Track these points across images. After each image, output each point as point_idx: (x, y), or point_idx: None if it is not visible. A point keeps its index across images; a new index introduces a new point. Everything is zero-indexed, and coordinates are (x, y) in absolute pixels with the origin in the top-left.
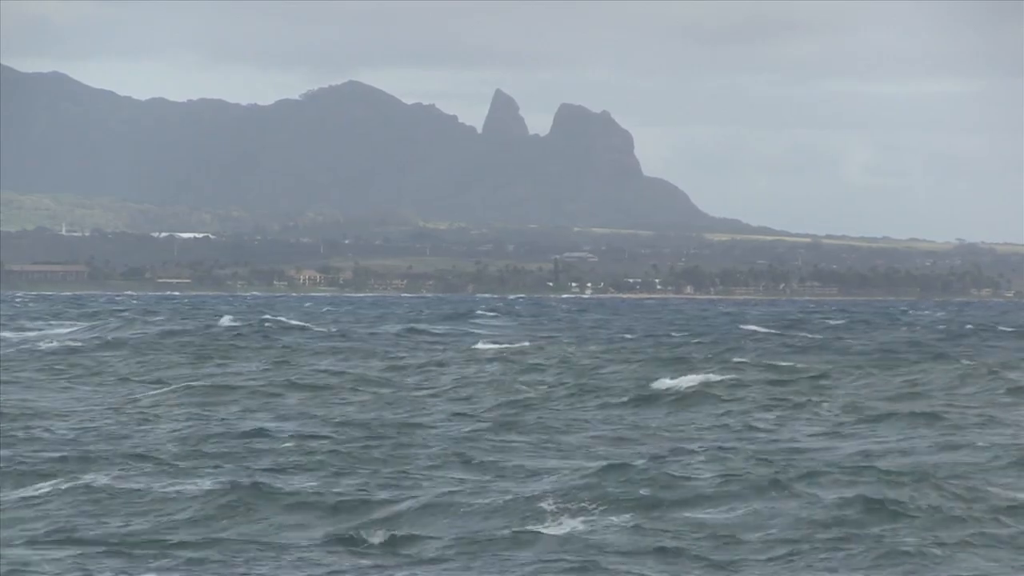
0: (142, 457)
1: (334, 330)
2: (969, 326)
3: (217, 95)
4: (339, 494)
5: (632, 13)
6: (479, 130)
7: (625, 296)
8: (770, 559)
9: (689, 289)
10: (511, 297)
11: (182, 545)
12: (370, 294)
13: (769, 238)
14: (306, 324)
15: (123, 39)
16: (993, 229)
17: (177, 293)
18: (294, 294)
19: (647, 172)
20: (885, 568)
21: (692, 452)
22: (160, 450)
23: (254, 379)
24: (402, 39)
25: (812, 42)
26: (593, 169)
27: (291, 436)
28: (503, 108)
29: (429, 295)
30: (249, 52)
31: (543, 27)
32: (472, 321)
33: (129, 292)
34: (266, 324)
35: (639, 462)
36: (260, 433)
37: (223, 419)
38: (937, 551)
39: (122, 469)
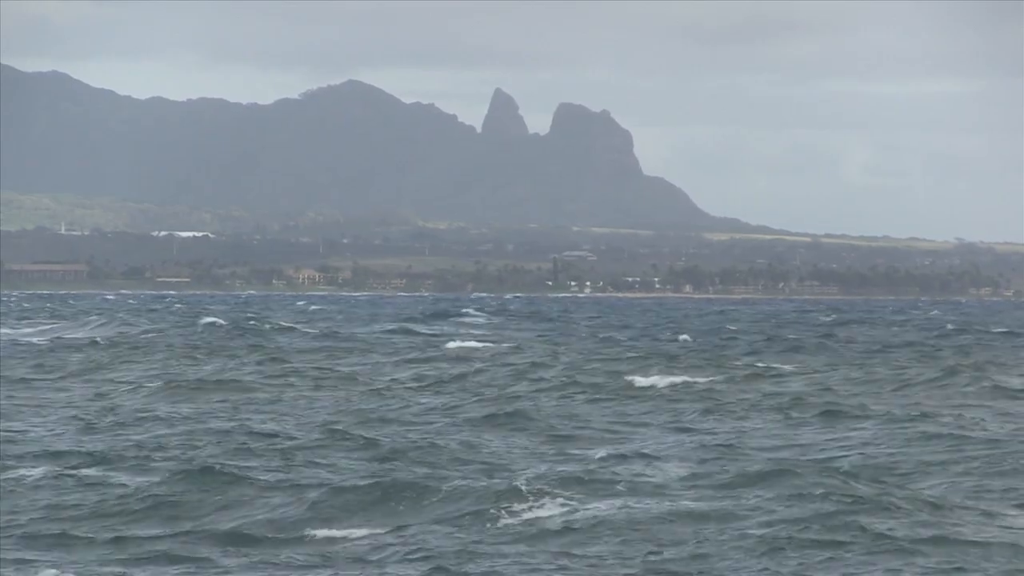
0: (112, 452)
1: (315, 330)
2: (951, 326)
3: (217, 95)
4: (311, 489)
5: (632, 13)
6: (478, 130)
7: (621, 295)
8: (743, 557)
9: (688, 288)
10: (507, 296)
11: (154, 539)
12: (367, 293)
13: (769, 237)
14: (288, 323)
15: (123, 39)
16: (992, 229)
17: (173, 292)
18: (290, 293)
19: (647, 172)
20: (850, 565)
21: (664, 450)
22: (134, 444)
23: (229, 377)
24: (402, 39)
25: (812, 42)
26: (593, 169)
27: (264, 433)
28: (502, 108)
29: (427, 295)
30: (249, 52)
31: (543, 27)
32: (458, 320)
33: (125, 291)
34: (250, 323)
35: (613, 460)
36: (236, 430)
37: (198, 416)
38: (902, 548)
39: (91, 464)
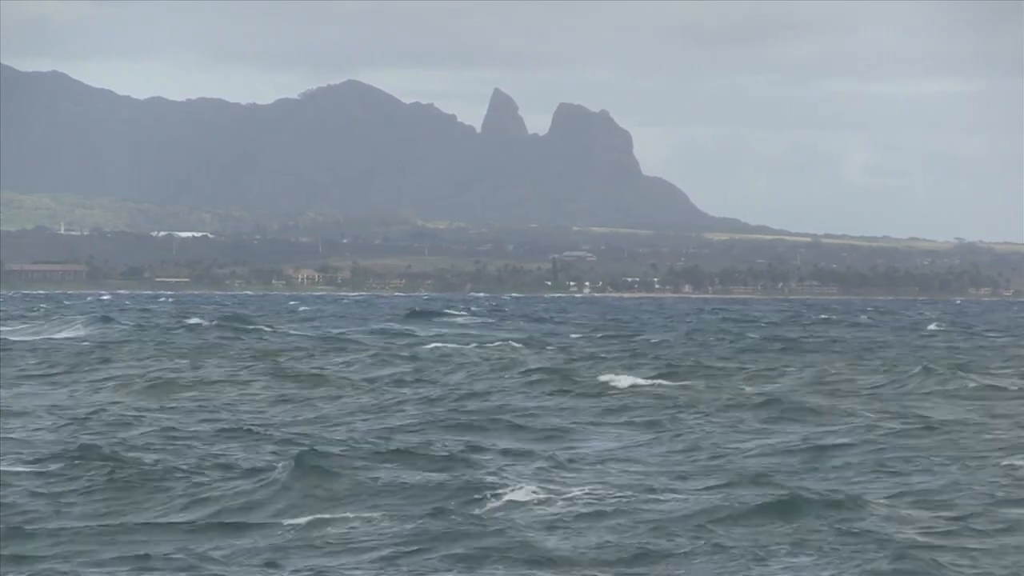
0: (93, 448)
1: (297, 331)
2: (933, 326)
3: (217, 95)
4: (283, 480)
5: (632, 13)
6: (478, 129)
7: (620, 295)
8: (709, 553)
9: (687, 288)
10: (503, 297)
11: (135, 528)
12: (363, 293)
13: (768, 237)
14: (271, 324)
15: (123, 39)
16: (992, 229)
17: (169, 292)
18: (286, 294)
19: (646, 172)
20: (824, 558)
21: (633, 448)
22: (115, 441)
23: (202, 376)
24: (401, 39)
25: (812, 42)
26: (592, 169)
27: (240, 429)
28: (502, 108)
29: (425, 294)
30: (249, 52)
31: (542, 27)
32: (446, 321)
33: (121, 291)
34: (234, 324)
35: (582, 457)
36: (209, 426)
37: (170, 414)
38: (873, 543)
39: (70, 460)
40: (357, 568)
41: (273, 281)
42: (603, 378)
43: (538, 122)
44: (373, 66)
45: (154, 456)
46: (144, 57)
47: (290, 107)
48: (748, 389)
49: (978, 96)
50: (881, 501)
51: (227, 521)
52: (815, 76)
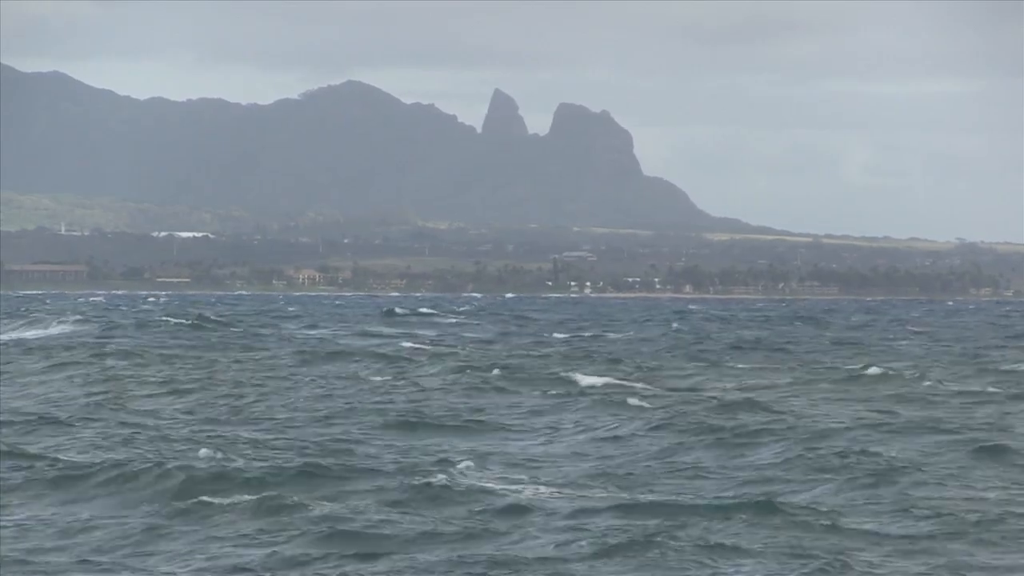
0: (51, 447)
1: (274, 331)
2: (914, 328)
3: (217, 95)
4: (244, 471)
5: (632, 13)
6: (478, 130)
7: (622, 296)
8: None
9: (688, 288)
10: (499, 298)
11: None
12: (362, 293)
13: (769, 238)
14: (253, 325)
15: (123, 39)
16: (993, 229)
17: (163, 292)
18: (284, 294)
19: (647, 172)
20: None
21: (579, 444)
22: (81, 440)
23: (171, 374)
24: (401, 39)
25: (812, 42)
26: (593, 169)
27: (205, 430)
28: (502, 108)
29: (424, 295)
30: (249, 52)
31: (543, 27)
32: (429, 321)
33: (116, 291)
34: (208, 325)
35: (529, 451)
36: (175, 425)
37: (137, 413)
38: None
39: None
40: (322, 558)
41: (274, 281)
42: (566, 376)
43: (538, 122)
44: (373, 66)
45: (104, 454)
46: (144, 57)
47: (290, 107)
48: (715, 388)
49: (978, 96)
50: (850, 500)
51: (198, 512)
52: (815, 76)
